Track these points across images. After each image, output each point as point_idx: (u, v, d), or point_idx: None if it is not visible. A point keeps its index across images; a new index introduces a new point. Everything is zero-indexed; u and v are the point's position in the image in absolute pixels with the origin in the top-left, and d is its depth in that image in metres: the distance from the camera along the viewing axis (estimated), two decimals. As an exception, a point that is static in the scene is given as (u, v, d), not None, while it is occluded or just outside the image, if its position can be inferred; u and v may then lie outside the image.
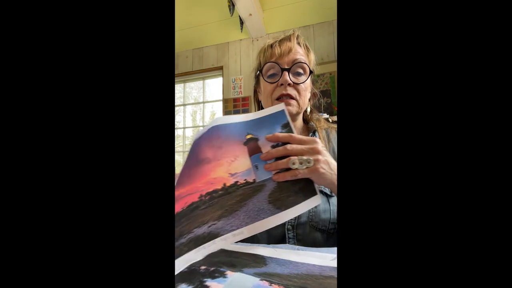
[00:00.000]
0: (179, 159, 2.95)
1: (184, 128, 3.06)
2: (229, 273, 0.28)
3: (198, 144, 0.32)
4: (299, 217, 0.49)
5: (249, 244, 0.41)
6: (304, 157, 0.35)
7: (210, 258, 0.33)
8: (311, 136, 0.57)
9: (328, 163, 0.36)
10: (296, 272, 0.27)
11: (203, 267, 0.30)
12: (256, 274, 0.27)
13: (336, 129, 0.62)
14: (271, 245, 0.39)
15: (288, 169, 0.35)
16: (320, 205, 0.49)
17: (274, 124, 0.37)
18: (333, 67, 2.32)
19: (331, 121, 1.89)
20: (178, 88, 3.13)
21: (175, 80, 3.03)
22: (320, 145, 0.37)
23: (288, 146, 0.35)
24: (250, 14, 2.19)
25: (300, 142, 0.36)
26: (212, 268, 0.30)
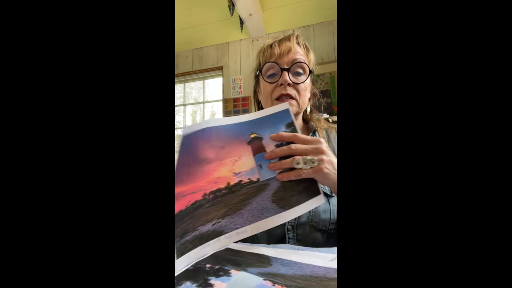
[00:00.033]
0: (179, 159, 2.94)
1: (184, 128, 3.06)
2: (233, 272, 0.28)
3: (193, 143, 0.32)
4: (299, 217, 0.49)
5: (249, 244, 0.41)
6: (308, 157, 0.35)
7: (215, 257, 0.33)
8: (311, 136, 0.56)
9: (332, 163, 0.36)
10: (300, 273, 0.27)
11: (208, 265, 0.30)
12: (260, 274, 0.27)
13: (336, 129, 0.62)
14: (271, 245, 0.39)
15: (292, 169, 0.35)
16: (320, 205, 0.49)
17: (278, 124, 0.37)
18: (333, 67, 2.32)
19: (331, 121, 1.89)
20: (178, 88, 3.13)
21: (175, 80, 3.03)
22: (325, 145, 0.37)
23: (293, 146, 0.35)
24: (250, 14, 2.19)
25: (305, 141, 0.36)
26: (217, 267, 0.30)
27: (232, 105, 2.69)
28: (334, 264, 0.29)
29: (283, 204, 0.34)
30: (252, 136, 0.35)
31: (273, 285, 0.24)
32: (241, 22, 2.32)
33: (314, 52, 0.62)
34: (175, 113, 3.02)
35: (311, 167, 0.35)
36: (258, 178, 0.34)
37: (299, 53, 0.56)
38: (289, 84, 0.54)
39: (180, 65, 3.00)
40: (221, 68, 2.83)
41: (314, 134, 0.60)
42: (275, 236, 0.49)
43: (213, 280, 0.26)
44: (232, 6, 2.06)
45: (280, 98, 0.54)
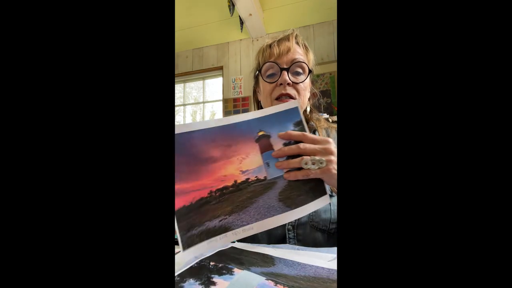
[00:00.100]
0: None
1: (184, 128, 3.05)
2: (236, 270, 0.28)
3: (191, 142, 0.32)
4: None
5: (249, 244, 0.41)
6: (317, 157, 0.35)
7: (220, 255, 0.34)
8: None
9: None
10: (303, 274, 0.27)
11: (212, 263, 0.31)
12: (262, 274, 0.27)
13: (336, 129, 0.62)
14: (271, 245, 0.39)
15: (300, 168, 0.35)
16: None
17: (287, 122, 0.37)
18: (333, 67, 2.32)
19: (331, 121, 1.89)
20: (178, 88, 3.13)
21: (175, 80, 3.03)
22: (333, 145, 0.37)
23: (301, 145, 0.35)
24: (250, 14, 2.19)
25: (313, 141, 0.36)
26: (221, 265, 0.30)
27: (232, 105, 2.69)
28: (331, 264, 0.29)
29: (290, 203, 0.34)
30: (260, 133, 0.35)
31: (275, 285, 0.24)
32: (241, 22, 2.32)
33: (314, 52, 0.62)
34: (175, 113, 3.02)
35: (319, 168, 0.34)
36: (265, 176, 0.34)
37: (298, 53, 0.56)
38: (288, 84, 0.54)
39: (180, 65, 3.00)
40: (221, 68, 2.83)
41: (314, 133, 0.60)
42: (276, 236, 0.49)
43: (216, 278, 0.26)
44: (232, 6, 2.06)
45: (280, 98, 0.54)
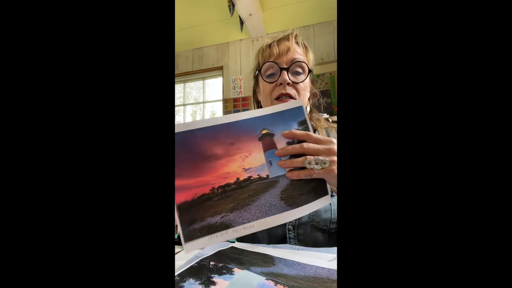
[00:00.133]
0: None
1: (184, 128, 3.05)
2: (236, 270, 0.28)
3: (192, 140, 0.32)
4: (300, 217, 0.49)
5: (249, 244, 0.41)
6: (320, 158, 0.35)
7: (220, 255, 0.34)
8: None
9: None
10: (303, 274, 0.27)
11: (212, 263, 0.31)
12: (263, 274, 0.27)
13: (336, 129, 0.62)
14: (271, 245, 0.39)
15: (303, 168, 0.35)
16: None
17: (291, 121, 0.37)
18: (333, 67, 2.32)
19: (331, 121, 1.89)
20: (178, 88, 3.13)
21: (175, 80, 3.03)
22: (337, 146, 0.37)
23: (305, 145, 0.35)
24: (250, 14, 2.19)
25: (317, 141, 0.36)
26: (221, 264, 0.30)
27: (232, 105, 2.69)
28: (335, 265, 0.29)
29: (291, 202, 0.34)
30: (264, 132, 0.35)
31: (275, 285, 0.24)
32: (241, 22, 2.32)
33: (314, 52, 0.62)
34: (175, 113, 3.02)
35: (322, 168, 0.34)
36: (267, 175, 0.34)
37: (298, 53, 0.56)
38: (288, 84, 0.54)
39: (180, 65, 3.00)
40: (221, 68, 2.83)
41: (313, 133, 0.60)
42: (276, 236, 0.49)
43: (216, 278, 0.26)
44: (232, 6, 2.06)
45: (280, 98, 0.54)
